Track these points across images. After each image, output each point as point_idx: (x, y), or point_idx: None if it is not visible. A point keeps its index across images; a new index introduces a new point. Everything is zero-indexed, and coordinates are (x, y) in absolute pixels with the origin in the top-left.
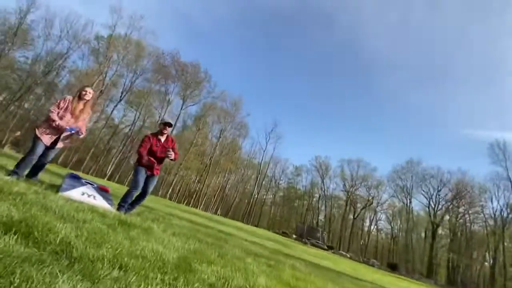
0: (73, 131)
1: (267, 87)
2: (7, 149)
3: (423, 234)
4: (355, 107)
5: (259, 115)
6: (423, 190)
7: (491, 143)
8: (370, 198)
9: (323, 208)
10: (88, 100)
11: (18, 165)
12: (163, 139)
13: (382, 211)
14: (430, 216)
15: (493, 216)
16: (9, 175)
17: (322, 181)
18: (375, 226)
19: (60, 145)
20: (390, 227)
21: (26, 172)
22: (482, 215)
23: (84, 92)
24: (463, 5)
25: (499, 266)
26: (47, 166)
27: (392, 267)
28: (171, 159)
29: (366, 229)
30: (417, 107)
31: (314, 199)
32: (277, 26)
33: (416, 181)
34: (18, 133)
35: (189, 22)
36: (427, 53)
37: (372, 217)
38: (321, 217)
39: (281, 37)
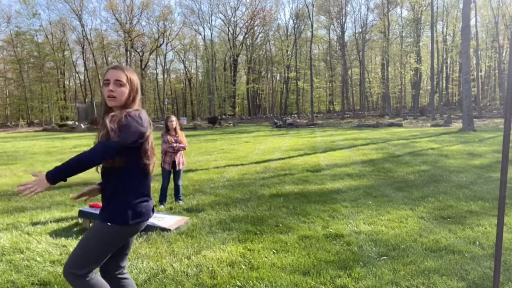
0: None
1: None
2: None
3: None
4: None
5: None
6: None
7: None
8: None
9: (82, 69)
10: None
11: (160, 196)
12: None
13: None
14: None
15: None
16: (161, 205)
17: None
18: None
19: (180, 166)
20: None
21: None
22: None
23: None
24: None
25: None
26: None
27: (213, 122)
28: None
29: (159, 78)
30: None
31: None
32: None
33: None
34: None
35: None
36: None
37: (162, 62)
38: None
39: None
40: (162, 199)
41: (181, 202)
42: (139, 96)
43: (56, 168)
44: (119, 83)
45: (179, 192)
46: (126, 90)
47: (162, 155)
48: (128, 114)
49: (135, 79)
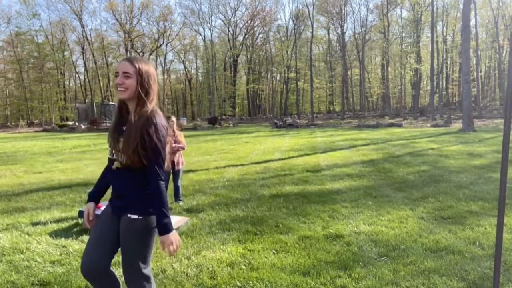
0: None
1: None
2: None
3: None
4: None
5: None
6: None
7: None
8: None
9: (82, 69)
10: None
11: None
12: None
13: (173, 51)
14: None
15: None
16: None
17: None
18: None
19: (179, 166)
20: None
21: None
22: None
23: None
24: None
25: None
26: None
27: (213, 122)
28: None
29: (159, 78)
30: None
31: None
32: None
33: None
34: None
35: None
36: None
37: (162, 62)
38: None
39: None
40: None
41: (180, 203)
42: (153, 89)
43: (165, 221)
44: (126, 75)
45: (178, 192)
46: (134, 82)
47: None
48: (158, 125)
49: (148, 69)
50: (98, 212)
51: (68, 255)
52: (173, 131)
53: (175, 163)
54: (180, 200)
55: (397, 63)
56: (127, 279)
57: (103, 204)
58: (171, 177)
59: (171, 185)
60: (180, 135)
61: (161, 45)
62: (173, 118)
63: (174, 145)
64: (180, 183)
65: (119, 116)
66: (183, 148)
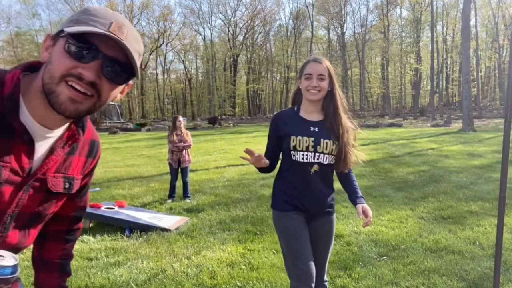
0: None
1: None
2: None
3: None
4: None
5: None
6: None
7: None
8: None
9: None
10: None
11: (169, 191)
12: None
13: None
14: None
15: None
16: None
17: None
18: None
19: (186, 164)
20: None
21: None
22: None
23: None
24: None
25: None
26: None
27: (213, 122)
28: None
29: (159, 78)
30: None
31: None
32: None
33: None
34: None
35: None
36: None
37: (162, 62)
38: None
39: None
40: (171, 195)
41: (188, 200)
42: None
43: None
44: (321, 77)
45: (186, 189)
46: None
47: (168, 153)
48: None
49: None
50: (98, 212)
51: None
52: (180, 130)
53: (181, 161)
54: (188, 197)
55: (397, 63)
56: (324, 277)
57: (104, 204)
58: (179, 173)
59: (179, 183)
60: (187, 134)
61: (161, 45)
62: (180, 118)
63: (179, 144)
64: (188, 179)
65: None
66: (189, 146)
